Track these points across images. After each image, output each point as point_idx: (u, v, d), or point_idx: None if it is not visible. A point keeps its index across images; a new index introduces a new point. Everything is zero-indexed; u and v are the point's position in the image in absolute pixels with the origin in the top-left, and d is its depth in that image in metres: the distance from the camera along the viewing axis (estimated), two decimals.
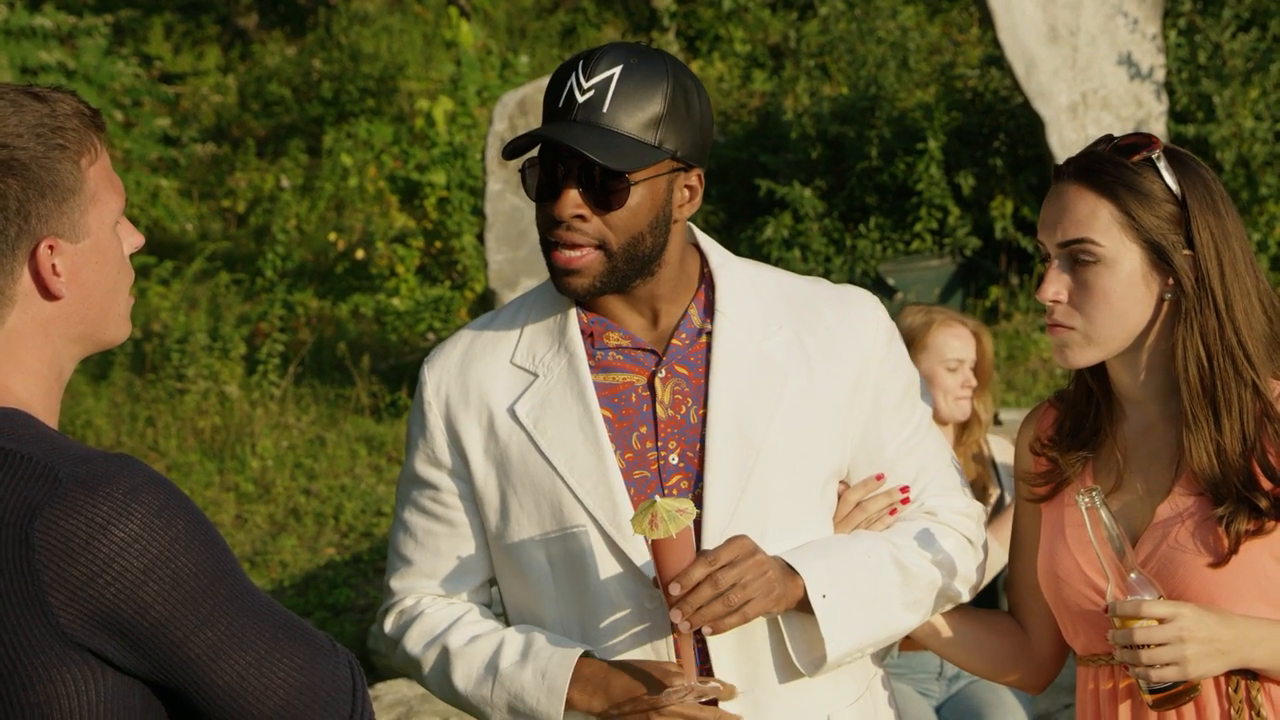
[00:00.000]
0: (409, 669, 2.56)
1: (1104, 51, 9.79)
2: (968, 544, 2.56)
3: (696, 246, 2.57)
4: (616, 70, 2.38)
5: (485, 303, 10.82)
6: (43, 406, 1.96)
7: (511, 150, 2.41)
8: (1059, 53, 9.69)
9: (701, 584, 2.28)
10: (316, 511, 9.13)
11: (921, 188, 10.77)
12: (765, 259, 10.52)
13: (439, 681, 2.52)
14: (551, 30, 17.04)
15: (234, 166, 15.68)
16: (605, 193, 2.38)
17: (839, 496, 2.54)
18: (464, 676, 2.48)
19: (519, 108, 10.21)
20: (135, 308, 12.12)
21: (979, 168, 10.93)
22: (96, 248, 1.97)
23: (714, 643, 2.41)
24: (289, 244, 13.06)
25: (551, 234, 2.41)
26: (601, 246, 2.40)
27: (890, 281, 10.41)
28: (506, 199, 10.07)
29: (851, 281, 10.68)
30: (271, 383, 10.65)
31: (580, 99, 2.38)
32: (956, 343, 4.46)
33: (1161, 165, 2.41)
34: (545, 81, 10.56)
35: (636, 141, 2.38)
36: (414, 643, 2.54)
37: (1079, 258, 2.42)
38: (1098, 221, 2.40)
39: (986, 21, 9.91)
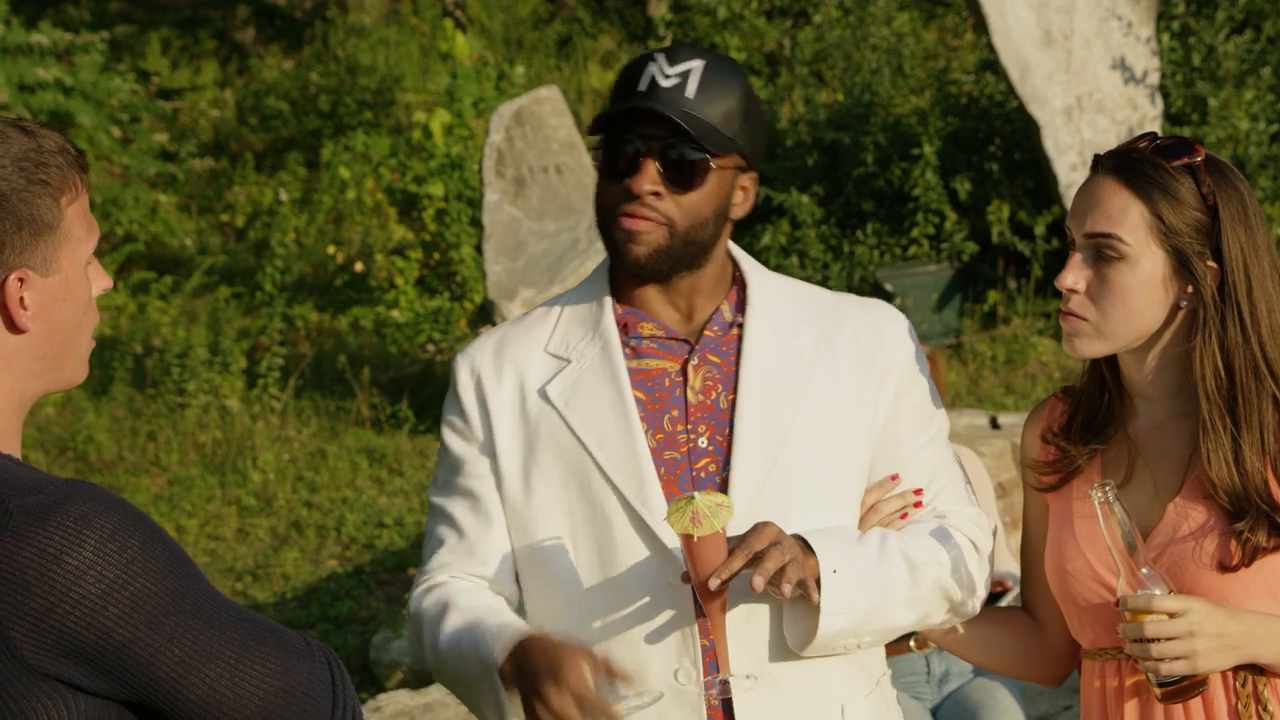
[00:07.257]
0: (412, 641, 2.55)
1: (1098, 55, 9.81)
2: (975, 550, 2.57)
3: (728, 253, 2.64)
4: (698, 64, 2.44)
5: (484, 313, 10.83)
6: (2, 437, 1.95)
7: (600, 122, 2.45)
8: (1053, 57, 9.71)
9: (769, 550, 2.30)
10: (318, 524, 9.14)
11: (918, 193, 10.78)
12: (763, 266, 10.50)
13: (418, 646, 2.52)
14: (547, 41, 17.05)
15: (232, 181, 15.68)
16: (687, 172, 2.44)
17: None
18: (431, 643, 2.47)
19: (515, 119, 10.23)
20: (136, 323, 12.20)
21: (975, 172, 10.93)
22: (66, 285, 1.97)
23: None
24: (288, 257, 13.06)
25: (622, 208, 2.45)
26: (668, 225, 2.45)
27: (888, 287, 10.41)
28: (504, 210, 10.08)
29: (849, 288, 10.74)
30: (272, 396, 10.66)
31: (665, 84, 2.43)
32: None
33: (1200, 174, 2.41)
34: (541, 92, 10.63)
35: (717, 129, 2.44)
36: (424, 611, 2.51)
37: (1103, 252, 2.43)
38: (1127, 220, 2.41)
39: (980, 27, 9.93)
